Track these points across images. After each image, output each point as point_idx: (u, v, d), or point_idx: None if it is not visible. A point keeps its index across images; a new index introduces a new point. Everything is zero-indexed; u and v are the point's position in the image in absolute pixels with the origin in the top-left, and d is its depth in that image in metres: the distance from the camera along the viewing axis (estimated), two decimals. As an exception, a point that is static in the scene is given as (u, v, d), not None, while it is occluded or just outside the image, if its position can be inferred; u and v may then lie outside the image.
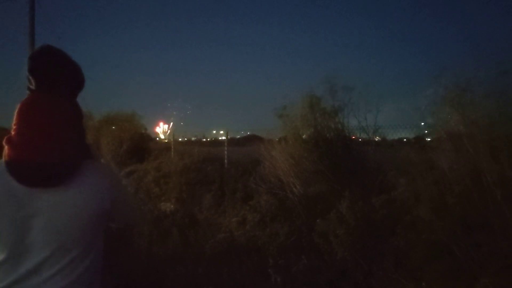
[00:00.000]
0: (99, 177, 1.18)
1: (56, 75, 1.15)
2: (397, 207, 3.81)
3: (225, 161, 8.23)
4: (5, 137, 1.11)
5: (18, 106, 1.13)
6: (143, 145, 14.05)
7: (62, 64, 1.17)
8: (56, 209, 1.09)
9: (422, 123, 4.74)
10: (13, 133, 1.10)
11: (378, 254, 3.66)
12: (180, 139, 17.95)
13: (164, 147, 13.08)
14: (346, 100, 5.44)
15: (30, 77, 1.13)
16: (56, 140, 1.10)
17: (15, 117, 1.11)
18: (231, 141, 8.96)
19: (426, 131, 4.26)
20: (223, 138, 9.57)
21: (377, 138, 5.57)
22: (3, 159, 1.10)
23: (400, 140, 6.01)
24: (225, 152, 8.40)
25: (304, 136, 5.61)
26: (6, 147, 1.10)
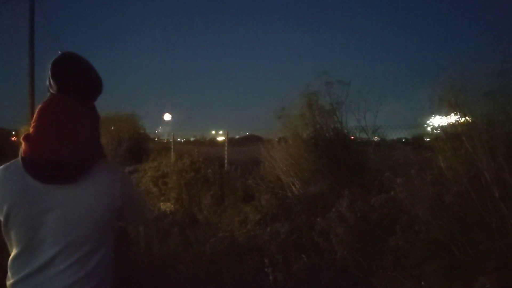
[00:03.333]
0: (111, 176, 1.22)
1: (76, 80, 1.21)
2: (396, 206, 3.85)
3: (225, 161, 8.26)
4: (23, 135, 1.16)
5: (39, 106, 1.19)
6: (142, 145, 14.07)
7: (82, 70, 1.23)
8: (69, 205, 1.14)
9: (420, 123, 4.78)
10: (31, 130, 1.15)
11: (378, 252, 3.70)
12: (179, 139, 17.97)
13: (164, 147, 13.07)
14: (343, 96, 5.47)
15: (52, 81, 1.19)
16: (71, 139, 1.15)
17: (35, 116, 1.17)
18: (231, 141, 8.98)
19: (424, 131, 4.29)
20: (222, 138, 9.60)
21: (376, 138, 5.61)
22: (19, 156, 1.15)
23: (399, 140, 6.05)
24: (225, 152, 8.43)
25: (303, 136, 5.64)
26: (23, 144, 1.14)
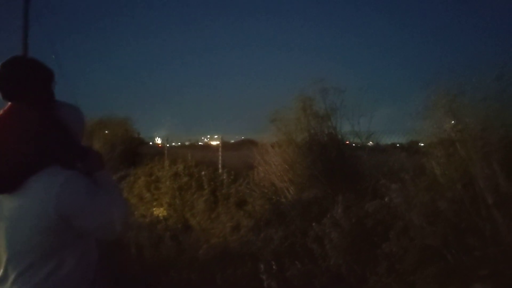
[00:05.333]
0: (45, 186, 1.15)
1: (18, 86, 1.21)
2: (390, 212, 3.84)
3: (219, 165, 8.23)
4: None
5: None
6: (136, 149, 13.97)
7: (25, 75, 1.23)
8: (10, 216, 1.14)
9: (414, 129, 4.79)
10: None
11: (372, 259, 3.68)
12: (174, 144, 17.92)
13: (158, 151, 13.00)
14: (337, 102, 5.50)
15: None
16: (4, 148, 1.14)
17: None
18: (225, 146, 8.95)
19: (418, 137, 4.29)
20: (217, 143, 9.58)
21: (370, 143, 5.60)
22: None
23: (393, 145, 6.06)
24: (219, 157, 8.41)
25: (298, 141, 5.63)
26: None
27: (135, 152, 13.39)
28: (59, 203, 1.13)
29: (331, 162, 5.16)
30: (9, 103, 1.23)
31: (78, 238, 1.24)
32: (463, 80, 3.26)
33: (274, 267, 4.08)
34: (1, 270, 1.15)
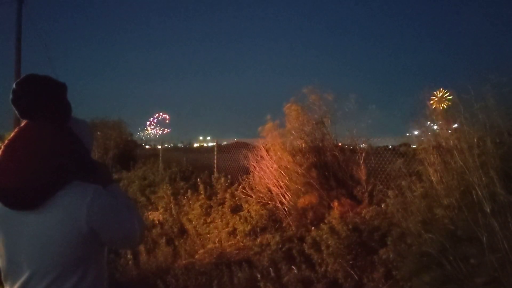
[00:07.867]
0: (76, 201, 1.16)
1: (35, 104, 1.22)
2: (387, 219, 3.86)
3: (214, 169, 8.19)
4: None
5: None
6: (129, 152, 13.87)
7: (41, 93, 1.23)
8: (32, 232, 1.14)
9: (410, 135, 4.85)
10: None
11: (369, 265, 3.70)
12: (166, 145, 17.83)
13: (152, 154, 12.90)
14: (332, 109, 5.55)
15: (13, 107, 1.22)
16: (26, 166, 1.15)
17: None
18: (218, 148, 8.87)
19: (414, 143, 4.31)
20: (209, 144, 9.55)
21: (362, 145, 5.61)
22: None
23: (385, 147, 6.08)
24: (215, 161, 8.36)
25: (293, 147, 5.63)
26: None
27: (128, 155, 13.29)
28: (90, 216, 1.15)
29: (327, 168, 5.18)
30: (25, 121, 1.23)
31: (100, 249, 1.26)
32: (461, 88, 3.28)
33: (270, 272, 4.09)
34: (19, 283, 1.15)
